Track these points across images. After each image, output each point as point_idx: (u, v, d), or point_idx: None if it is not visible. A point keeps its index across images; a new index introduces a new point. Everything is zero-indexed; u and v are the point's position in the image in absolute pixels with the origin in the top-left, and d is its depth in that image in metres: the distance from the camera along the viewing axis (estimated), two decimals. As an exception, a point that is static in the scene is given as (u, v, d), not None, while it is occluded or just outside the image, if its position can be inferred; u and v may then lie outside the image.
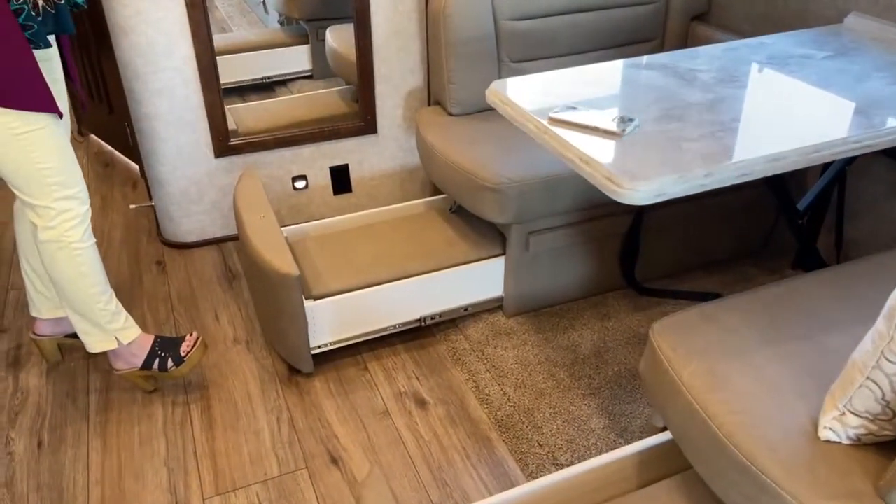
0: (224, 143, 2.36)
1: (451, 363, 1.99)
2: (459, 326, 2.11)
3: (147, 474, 1.69)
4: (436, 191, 2.61)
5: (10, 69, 1.40)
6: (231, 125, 2.39)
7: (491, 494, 1.62)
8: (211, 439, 1.78)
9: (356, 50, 2.36)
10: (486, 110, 2.24)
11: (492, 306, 2.16)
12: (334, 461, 1.72)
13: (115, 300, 1.74)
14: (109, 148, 3.22)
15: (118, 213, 2.75)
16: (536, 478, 1.63)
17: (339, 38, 2.71)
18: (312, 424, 1.81)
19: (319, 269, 1.99)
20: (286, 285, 1.76)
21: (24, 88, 1.43)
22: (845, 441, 1.11)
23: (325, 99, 2.80)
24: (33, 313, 1.90)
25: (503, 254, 2.07)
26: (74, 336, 1.86)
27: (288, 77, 2.93)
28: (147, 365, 1.81)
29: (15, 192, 1.56)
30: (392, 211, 2.29)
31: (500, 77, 2.22)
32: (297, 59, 2.94)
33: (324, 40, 2.90)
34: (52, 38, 1.58)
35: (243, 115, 2.61)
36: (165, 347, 1.82)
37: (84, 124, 3.31)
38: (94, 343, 1.76)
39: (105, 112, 3.02)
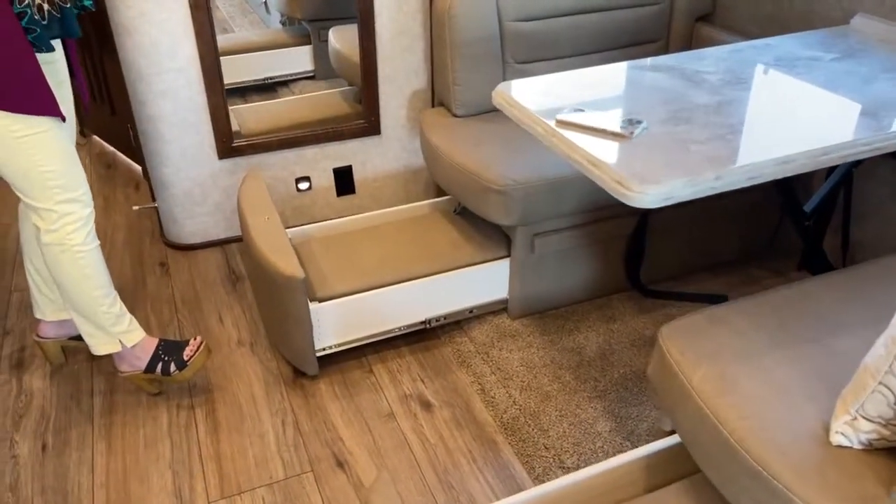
0: (227, 144, 2.35)
1: (456, 365, 1.99)
2: (464, 328, 2.11)
3: (152, 477, 1.69)
4: (440, 192, 2.60)
5: (11, 72, 1.40)
6: (234, 126, 2.38)
7: (497, 498, 1.61)
8: (216, 442, 1.77)
9: (360, 51, 2.35)
10: (491, 111, 2.23)
11: (497, 308, 2.15)
12: (340, 464, 1.71)
13: (119, 302, 1.74)
14: (112, 149, 3.21)
15: (121, 215, 2.75)
16: (543, 481, 1.62)
17: (341, 39, 2.71)
18: (317, 427, 1.81)
19: (324, 272, 1.99)
20: (291, 288, 1.75)
21: (25, 92, 1.43)
22: (857, 446, 1.11)
23: (327, 100, 2.79)
24: (37, 315, 1.90)
25: (508, 256, 2.06)
26: (78, 338, 1.85)
27: (290, 78, 2.92)
28: (150, 368, 1.81)
29: (18, 194, 1.56)
30: (396, 213, 2.28)
31: (504, 78, 2.21)
32: (299, 59, 2.93)
33: (326, 41, 2.89)
34: (57, 42, 1.57)
35: (246, 116, 2.61)
36: (169, 351, 1.82)
37: (86, 125, 3.30)
38: (98, 345, 1.76)
39: (107, 113, 3.01)
